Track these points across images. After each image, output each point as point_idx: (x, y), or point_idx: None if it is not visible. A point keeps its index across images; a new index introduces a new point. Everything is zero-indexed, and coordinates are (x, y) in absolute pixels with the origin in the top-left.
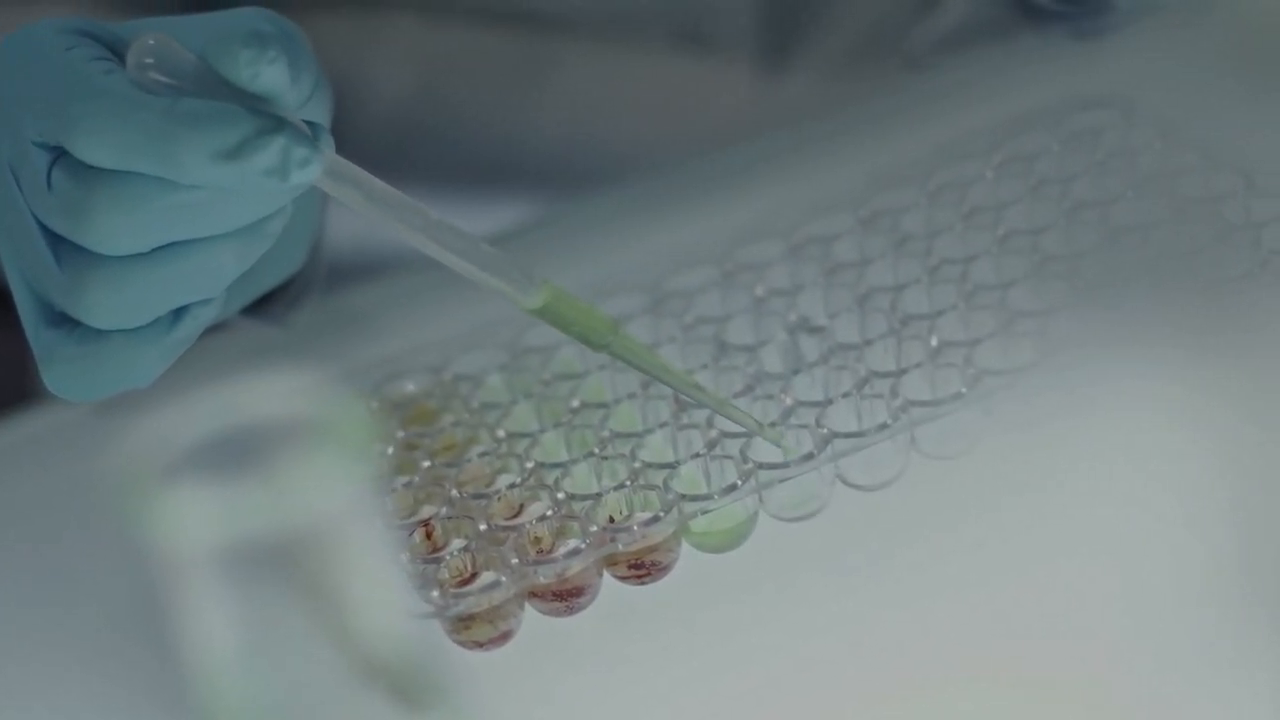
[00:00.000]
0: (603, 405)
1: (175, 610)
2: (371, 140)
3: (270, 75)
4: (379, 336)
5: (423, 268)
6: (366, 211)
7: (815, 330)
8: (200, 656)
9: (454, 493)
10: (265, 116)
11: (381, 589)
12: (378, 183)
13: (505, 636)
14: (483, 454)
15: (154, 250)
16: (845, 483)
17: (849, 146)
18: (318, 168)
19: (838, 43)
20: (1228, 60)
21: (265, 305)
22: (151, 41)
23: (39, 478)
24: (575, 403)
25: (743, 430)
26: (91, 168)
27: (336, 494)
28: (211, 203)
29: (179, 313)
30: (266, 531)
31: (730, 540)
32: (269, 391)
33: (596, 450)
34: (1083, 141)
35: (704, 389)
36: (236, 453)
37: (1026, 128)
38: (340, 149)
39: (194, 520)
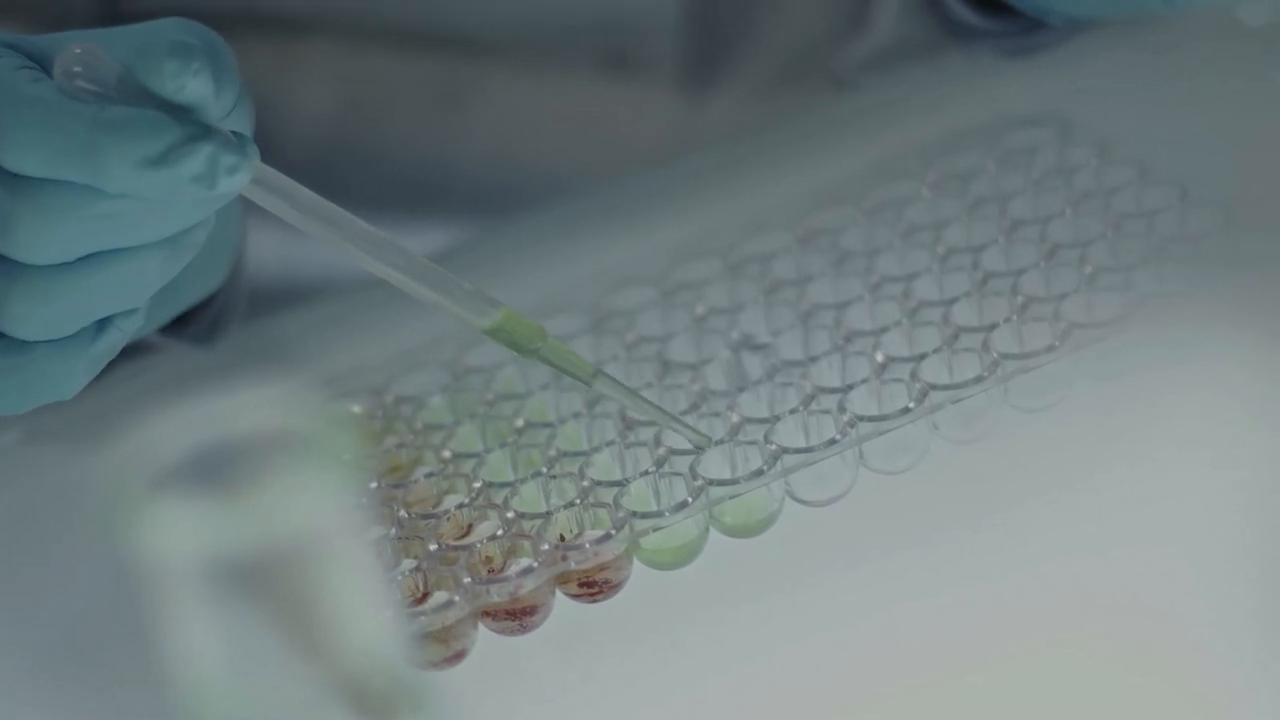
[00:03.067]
0: (548, 425)
1: (158, 625)
2: (294, 163)
3: (195, 87)
4: (318, 359)
5: (356, 290)
6: (294, 220)
7: (758, 347)
8: (183, 671)
9: (402, 513)
10: (193, 124)
11: (360, 603)
12: (305, 191)
13: (459, 656)
14: (429, 475)
15: (79, 260)
16: (795, 499)
17: (781, 166)
18: (246, 175)
19: (762, 64)
20: (1160, 76)
21: (187, 325)
22: (79, 50)
23: (21, 490)
24: (520, 422)
25: (690, 448)
26: (17, 175)
27: (317, 508)
28: (137, 212)
29: (103, 324)
30: (249, 546)
31: (681, 557)
32: (252, 407)
33: (544, 470)
34: (1018, 160)
35: (638, 394)
36: (219, 468)
37: (960, 146)
38: None
39: (177, 535)
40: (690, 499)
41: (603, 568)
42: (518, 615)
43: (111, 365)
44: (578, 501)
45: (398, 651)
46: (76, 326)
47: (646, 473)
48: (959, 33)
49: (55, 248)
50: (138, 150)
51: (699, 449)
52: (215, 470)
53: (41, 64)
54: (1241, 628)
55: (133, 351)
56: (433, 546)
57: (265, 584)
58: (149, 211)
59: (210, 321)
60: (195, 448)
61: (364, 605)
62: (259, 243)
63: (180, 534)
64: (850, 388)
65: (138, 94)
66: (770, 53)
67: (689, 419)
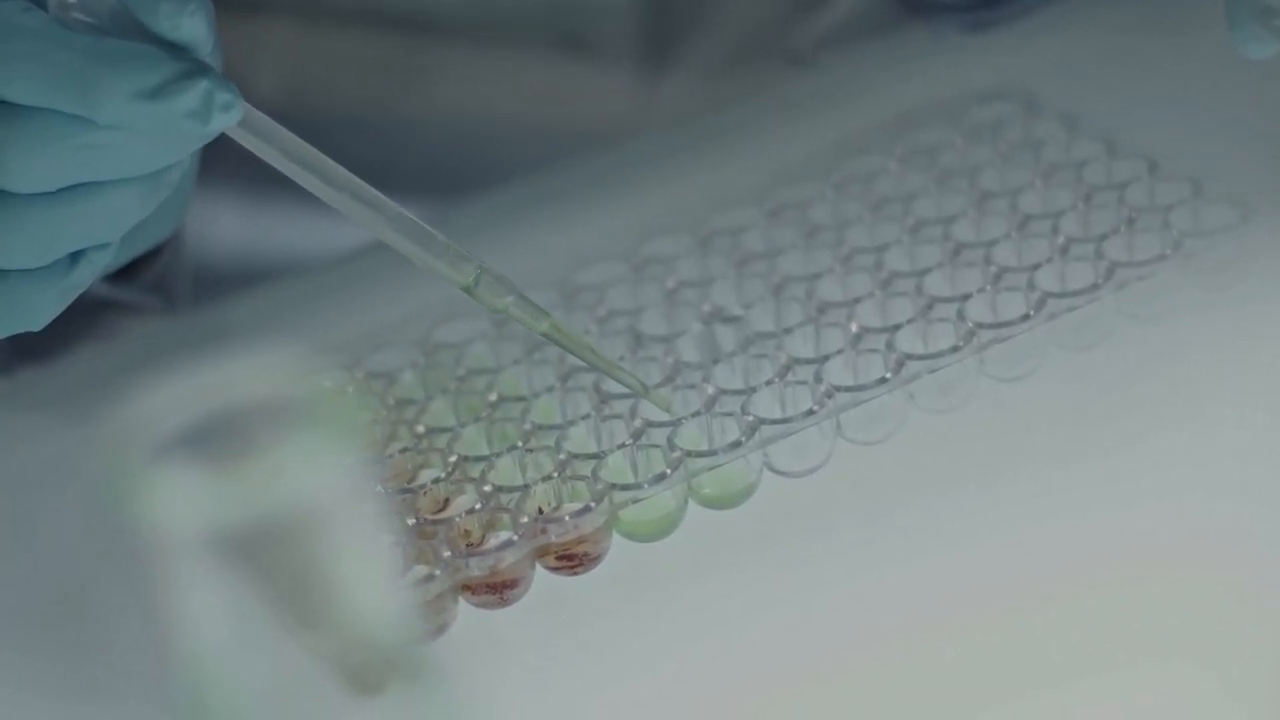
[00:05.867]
0: (521, 399)
1: (154, 595)
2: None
3: (190, 26)
4: (286, 337)
5: (322, 269)
6: (278, 164)
7: (731, 320)
8: (179, 641)
9: (378, 488)
10: (189, 60)
11: (357, 575)
12: (290, 135)
13: (440, 630)
14: (403, 450)
15: (61, 190)
16: (772, 470)
17: (746, 142)
18: (238, 113)
19: (719, 42)
20: (1123, 49)
21: (136, 275)
22: None
23: (22, 457)
24: (493, 397)
25: (669, 419)
26: (7, 103)
27: (322, 476)
28: (124, 145)
29: (76, 256)
30: (245, 517)
31: (661, 529)
32: (253, 373)
33: (520, 444)
34: (985, 134)
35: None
36: (222, 436)
37: (925, 121)
38: None
39: (172, 505)
40: (669, 471)
41: (582, 540)
42: (498, 589)
43: (80, 329)
44: (555, 475)
45: (394, 622)
46: (52, 257)
47: (623, 445)
48: (919, 8)
49: (40, 176)
50: (134, 82)
51: (665, 410)
52: (210, 441)
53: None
54: (1221, 591)
55: (89, 309)
56: (410, 521)
57: (262, 555)
58: (135, 146)
59: (160, 271)
60: (188, 419)
61: (361, 576)
62: (218, 221)
63: (176, 505)
64: (826, 358)
65: (130, 29)
66: (726, 30)
67: (664, 390)
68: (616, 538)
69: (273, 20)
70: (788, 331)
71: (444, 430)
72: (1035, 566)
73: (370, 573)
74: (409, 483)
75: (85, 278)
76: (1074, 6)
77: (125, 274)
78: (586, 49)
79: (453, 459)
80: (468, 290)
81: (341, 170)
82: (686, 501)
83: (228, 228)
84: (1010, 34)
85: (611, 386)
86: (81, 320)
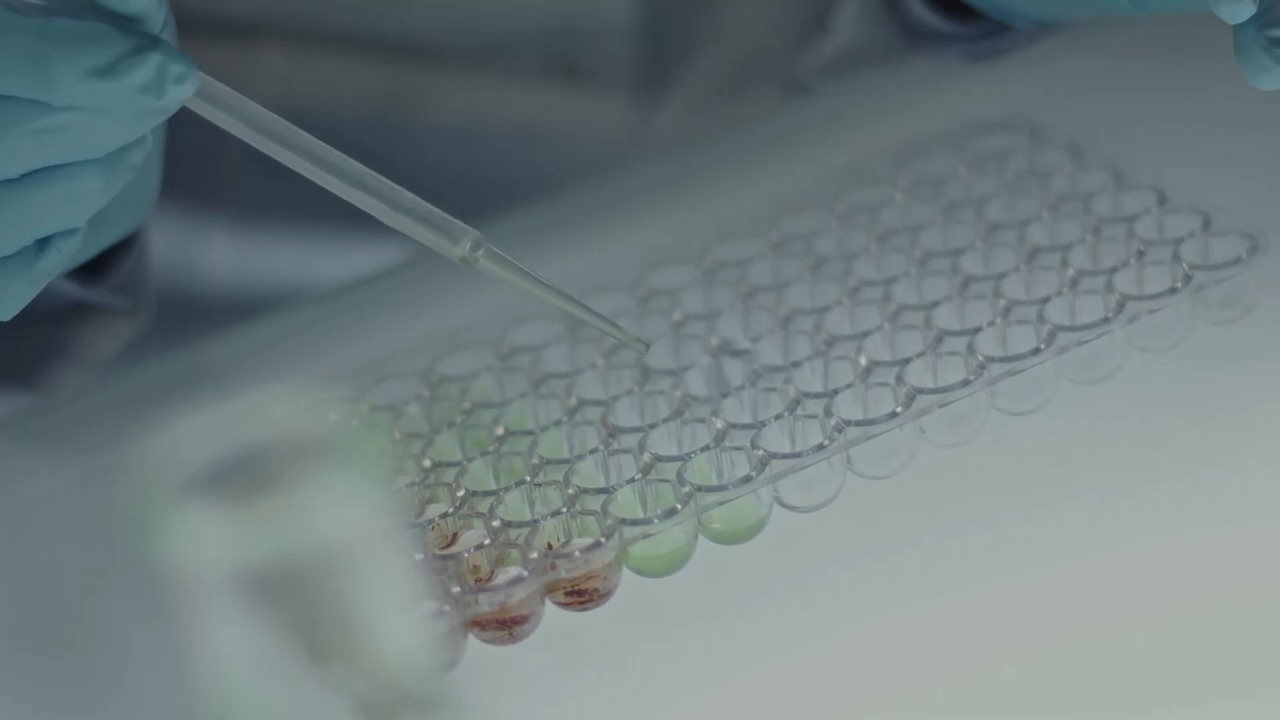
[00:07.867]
0: (529, 433)
1: (176, 630)
2: (241, 169)
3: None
4: (288, 368)
5: (320, 300)
6: (241, 134)
7: (739, 353)
8: (210, 676)
9: (389, 524)
10: (139, 35)
11: (380, 606)
12: (251, 104)
13: (449, 666)
14: (410, 484)
15: (22, 176)
16: (782, 504)
17: (748, 172)
18: (193, 84)
19: (716, 70)
20: (1128, 76)
21: (105, 275)
22: None
23: (17, 492)
24: (500, 430)
25: (678, 455)
26: None
27: (338, 511)
28: (82, 126)
29: (43, 243)
30: (268, 550)
31: (670, 564)
32: (260, 408)
33: (528, 478)
34: (989, 164)
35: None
36: (234, 471)
37: (929, 151)
38: None
39: (193, 540)
40: (679, 506)
41: (591, 576)
42: (507, 624)
43: (53, 342)
44: (564, 510)
45: (410, 656)
46: (18, 245)
47: (632, 480)
48: (922, 37)
49: (1, 163)
50: (85, 61)
51: (639, 352)
52: (222, 477)
53: None
54: (1233, 627)
55: (62, 316)
56: (419, 556)
57: (278, 590)
58: (93, 125)
59: (127, 271)
60: (199, 454)
61: (377, 610)
62: (216, 252)
63: (190, 541)
64: (835, 392)
65: (80, 6)
66: (724, 58)
67: (672, 425)
68: (626, 573)
69: (268, 45)
70: (796, 365)
71: (451, 464)
72: (1045, 601)
73: (387, 607)
74: (416, 517)
75: (54, 265)
76: (1077, 35)
77: (93, 274)
78: (583, 76)
79: (460, 493)
80: (443, 250)
81: (305, 135)
82: (696, 536)
83: (226, 260)
84: (1013, 63)
85: (619, 420)
86: (53, 331)
